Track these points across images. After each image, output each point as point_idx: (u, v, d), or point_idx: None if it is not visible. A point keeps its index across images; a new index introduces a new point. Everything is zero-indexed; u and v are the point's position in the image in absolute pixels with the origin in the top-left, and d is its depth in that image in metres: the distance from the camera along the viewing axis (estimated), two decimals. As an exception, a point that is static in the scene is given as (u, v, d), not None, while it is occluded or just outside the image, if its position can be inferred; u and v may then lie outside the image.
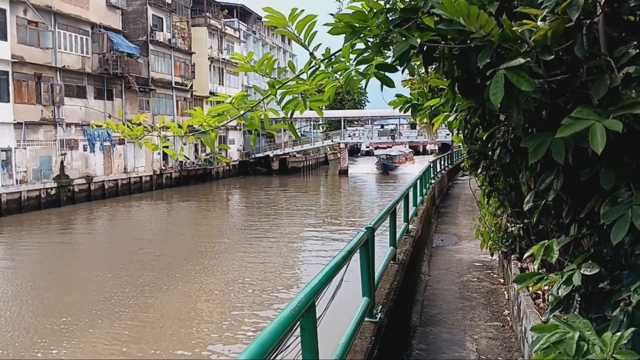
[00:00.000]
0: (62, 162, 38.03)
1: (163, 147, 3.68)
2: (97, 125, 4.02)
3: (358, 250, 4.57)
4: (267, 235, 27.00)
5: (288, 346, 2.59)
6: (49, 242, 26.79)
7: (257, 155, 64.66)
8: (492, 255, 8.92)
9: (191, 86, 54.36)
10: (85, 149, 40.33)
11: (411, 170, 56.34)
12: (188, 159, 52.52)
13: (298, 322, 2.66)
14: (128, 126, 4.06)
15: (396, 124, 73.11)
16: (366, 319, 4.78)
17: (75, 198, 38.56)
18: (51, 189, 36.79)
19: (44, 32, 37.07)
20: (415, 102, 5.09)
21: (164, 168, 49.02)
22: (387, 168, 64.82)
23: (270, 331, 2.26)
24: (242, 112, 3.42)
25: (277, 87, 3.43)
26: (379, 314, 5.04)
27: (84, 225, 32.11)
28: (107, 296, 16.85)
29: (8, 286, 18.62)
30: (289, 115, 3.62)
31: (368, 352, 4.31)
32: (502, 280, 9.20)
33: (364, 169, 68.58)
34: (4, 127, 33.91)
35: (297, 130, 3.85)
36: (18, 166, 34.73)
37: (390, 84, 3.31)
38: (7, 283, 19.08)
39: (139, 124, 3.75)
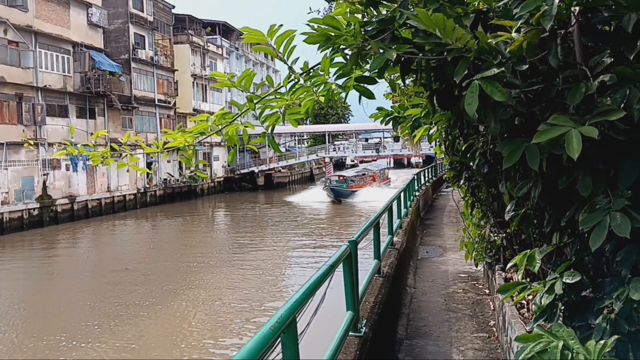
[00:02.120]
0: (44, 182, 37.56)
1: (132, 165, 3.63)
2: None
3: (341, 264, 4.54)
4: (252, 251, 26.83)
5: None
6: (32, 263, 26.34)
7: (242, 171, 64.48)
8: (476, 266, 8.92)
9: (174, 103, 54.24)
10: (68, 169, 39.87)
11: (377, 196, 43.52)
12: (172, 176, 52.23)
13: (279, 339, 2.62)
14: (112, 146, 4.02)
15: (380, 137, 73.38)
16: (350, 333, 4.74)
17: (59, 218, 38.08)
18: (34, 209, 36.27)
19: (25, 51, 36.78)
20: (396, 114, 5.10)
21: (148, 186, 48.64)
22: (338, 195, 49.09)
23: (249, 349, 2.22)
24: (219, 127, 3.40)
25: (255, 101, 3.41)
26: (364, 327, 5.00)
27: (67, 246, 31.66)
28: (92, 317, 16.59)
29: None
30: (269, 131, 3.60)
31: (353, 367, 4.26)
32: (487, 291, 9.20)
33: (313, 196, 51.52)
34: (-15, 147, 33.54)
35: (281, 146, 3.84)
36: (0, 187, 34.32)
37: (370, 95, 3.33)
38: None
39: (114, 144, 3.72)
